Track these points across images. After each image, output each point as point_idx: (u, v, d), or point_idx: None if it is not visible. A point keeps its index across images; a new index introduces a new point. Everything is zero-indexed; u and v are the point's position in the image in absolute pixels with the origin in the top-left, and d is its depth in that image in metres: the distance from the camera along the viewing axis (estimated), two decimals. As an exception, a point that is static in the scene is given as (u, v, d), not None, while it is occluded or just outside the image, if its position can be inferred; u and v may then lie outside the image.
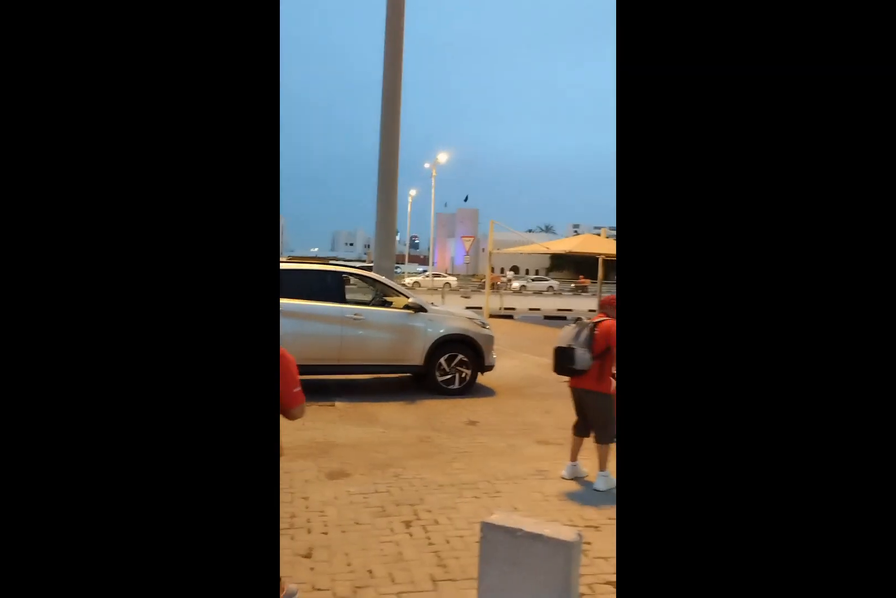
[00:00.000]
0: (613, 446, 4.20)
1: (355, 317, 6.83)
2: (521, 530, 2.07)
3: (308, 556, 3.08)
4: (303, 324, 6.56)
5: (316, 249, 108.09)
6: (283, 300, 6.52)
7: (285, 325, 6.50)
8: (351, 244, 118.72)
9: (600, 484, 4.17)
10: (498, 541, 2.11)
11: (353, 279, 8.06)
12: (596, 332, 4.14)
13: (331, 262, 7.84)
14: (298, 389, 2.30)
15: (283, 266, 7.00)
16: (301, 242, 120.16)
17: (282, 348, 2.29)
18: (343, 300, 6.98)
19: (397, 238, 16.34)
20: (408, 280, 36.43)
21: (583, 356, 4.08)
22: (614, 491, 4.08)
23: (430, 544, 3.28)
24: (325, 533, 3.34)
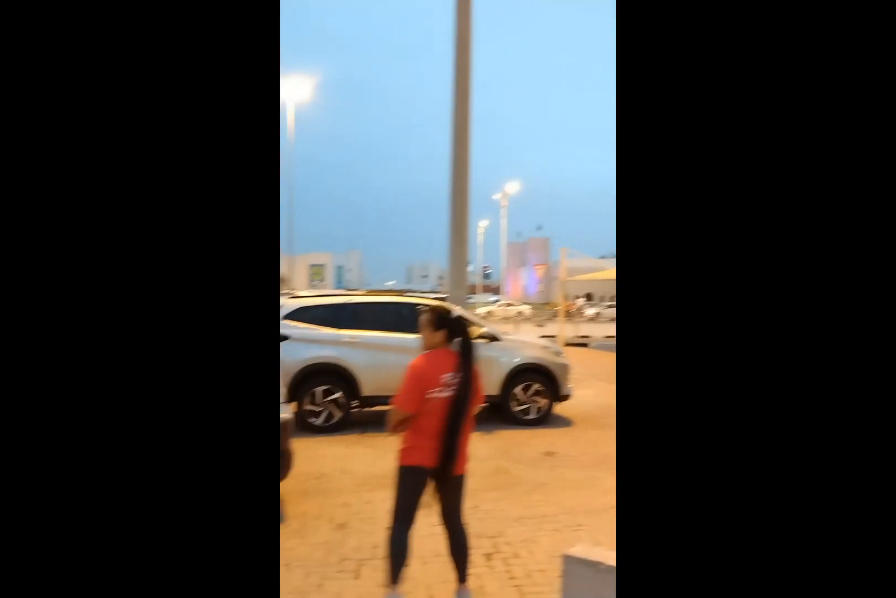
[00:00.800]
0: None
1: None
2: (603, 563, 2.03)
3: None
4: (380, 355, 6.67)
5: (392, 283, 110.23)
6: (360, 332, 6.72)
7: (363, 356, 6.67)
8: (425, 276, 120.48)
9: None
10: (580, 574, 2.08)
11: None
12: None
13: (406, 294, 8.00)
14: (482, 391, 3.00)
15: (359, 299, 7.29)
16: (377, 277, 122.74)
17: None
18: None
19: (470, 269, 16.48)
20: (481, 310, 36.47)
21: None
22: None
23: (512, 577, 3.24)
24: (407, 565, 3.35)
